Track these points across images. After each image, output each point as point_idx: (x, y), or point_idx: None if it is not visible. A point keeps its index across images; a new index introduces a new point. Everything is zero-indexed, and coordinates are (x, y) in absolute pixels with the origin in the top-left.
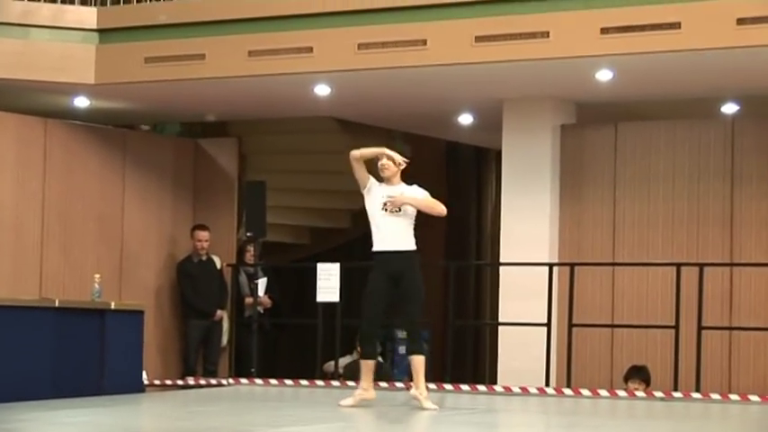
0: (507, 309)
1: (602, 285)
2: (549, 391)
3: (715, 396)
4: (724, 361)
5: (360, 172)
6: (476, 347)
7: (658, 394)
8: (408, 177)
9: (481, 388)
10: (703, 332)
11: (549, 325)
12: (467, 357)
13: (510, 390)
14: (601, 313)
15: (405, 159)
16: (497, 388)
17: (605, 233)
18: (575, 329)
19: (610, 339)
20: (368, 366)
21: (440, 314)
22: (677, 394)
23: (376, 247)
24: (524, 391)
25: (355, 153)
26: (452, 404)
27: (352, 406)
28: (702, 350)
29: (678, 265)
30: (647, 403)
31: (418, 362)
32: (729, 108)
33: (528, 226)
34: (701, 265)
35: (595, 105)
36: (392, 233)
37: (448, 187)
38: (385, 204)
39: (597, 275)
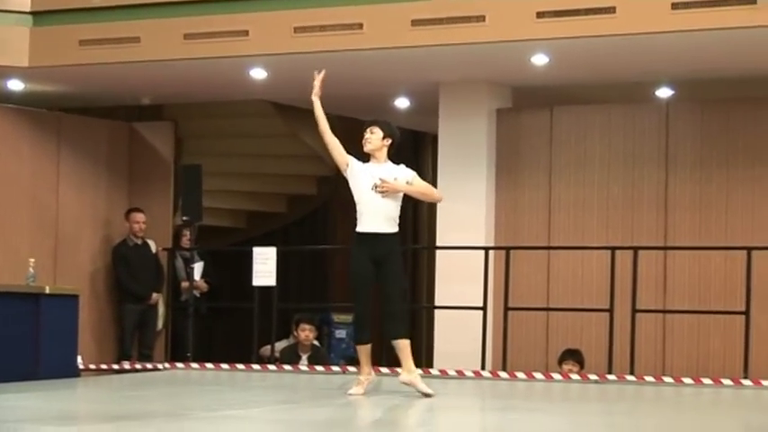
0: (444, 292)
1: (538, 269)
2: (485, 374)
3: (649, 378)
4: (658, 344)
5: (335, 150)
6: (413, 331)
7: (592, 377)
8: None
9: (417, 371)
10: (637, 315)
11: (484, 308)
12: None
13: (446, 373)
14: (536, 297)
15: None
16: (433, 371)
17: (541, 217)
18: (510, 313)
19: (545, 323)
20: (365, 351)
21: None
22: (611, 377)
23: (361, 228)
24: (460, 374)
25: (320, 124)
26: (388, 388)
27: (362, 394)
28: (636, 333)
29: (613, 249)
30: (582, 386)
31: (404, 345)
32: (664, 92)
33: (464, 210)
34: (636, 249)
35: (531, 89)
36: (380, 215)
37: None
38: (375, 186)
39: (533, 259)
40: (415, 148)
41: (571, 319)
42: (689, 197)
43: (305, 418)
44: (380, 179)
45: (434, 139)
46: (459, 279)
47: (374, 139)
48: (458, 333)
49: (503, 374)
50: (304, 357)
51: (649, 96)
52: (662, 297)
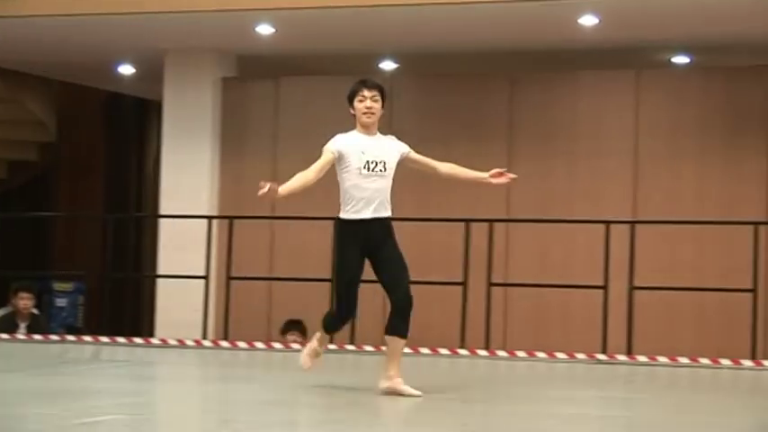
0: (167, 261)
1: (262, 239)
2: (206, 343)
3: (368, 348)
4: (378, 313)
5: (322, 168)
6: (136, 300)
7: None
8: (65, 128)
9: (137, 340)
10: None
11: (207, 278)
12: (126, 310)
13: (166, 342)
14: (259, 267)
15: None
16: (154, 340)
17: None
18: (233, 282)
19: (268, 293)
20: (319, 339)
21: (97, 267)
22: (332, 346)
23: (352, 215)
24: (181, 343)
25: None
26: (109, 357)
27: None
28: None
29: (335, 219)
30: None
31: (401, 346)
32: (388, 65)
33: (189, 179)
34: None
35: (257, 59)
36: (376, 198)
37: (108, 138)
38: (368, 163)
39: (257, 229)
40: (139, 115)
41: (295, 288)
42: (409, 171)
43: (18, 387)
44: (261, 183)
45: (160, 106)
46: (182, 248)
47: (378, 109)
48: (180, 302)
49: (224, 344)
50: (22, 326)
51: (373, 69)
52: None
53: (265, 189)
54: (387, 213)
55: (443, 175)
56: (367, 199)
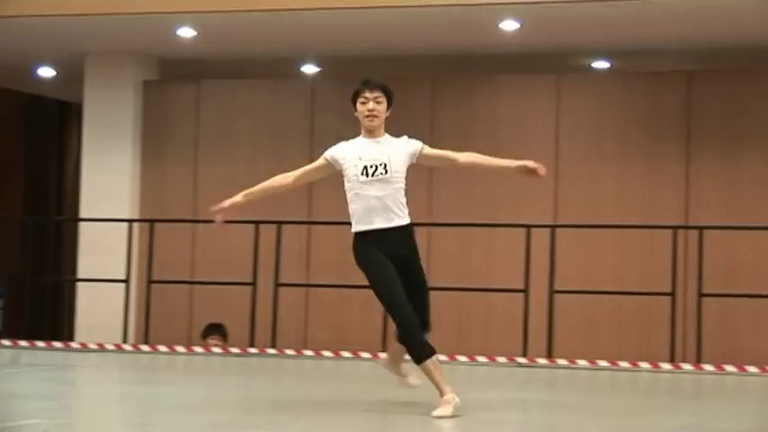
0: (87, 265)
1: (183, 242)
2: (126, 347)
3: (290, 352)
4: (300, 316)
5: (311, 175)
6: (56, 304)
7: (234, 350)
8: None
9: (57, 344)
10: (280, 289)
11: (127, 281)
12: (46, 314)
13: (86, 346)
14: (181, 270)
15: None
16: (74, 344)
17: (187, 191)
18: (154, 286)
19: (189, 296)
20: (435, 366)
21: (17, 270)
22: (253, 350)
23: (361, 227)
24: (101, 347)
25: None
26: (28, 361)
27: (453, 415)
28: (279, 306)
29: (257, 223)
30: (224, 359)
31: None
32: (309, 69)
33: (109, 182)
34: (279, 223)
35: (179, 62)
36: (380, 205)
37: (28, 141)
38: (366, 168)
39: (178, 232)
40: (60, 118)
41: (216, 292)
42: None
43: None
44: (218, 206)
45: (80, 109)
46: (102, 252)
47: (381, 111)
48: (101, 306)
49: (144, 347)
50: None
51: (295, 72)
52: (305, 271)
53: (226, 204)
54: (400, 222)
55: (463, 166)
56: (370, 207)
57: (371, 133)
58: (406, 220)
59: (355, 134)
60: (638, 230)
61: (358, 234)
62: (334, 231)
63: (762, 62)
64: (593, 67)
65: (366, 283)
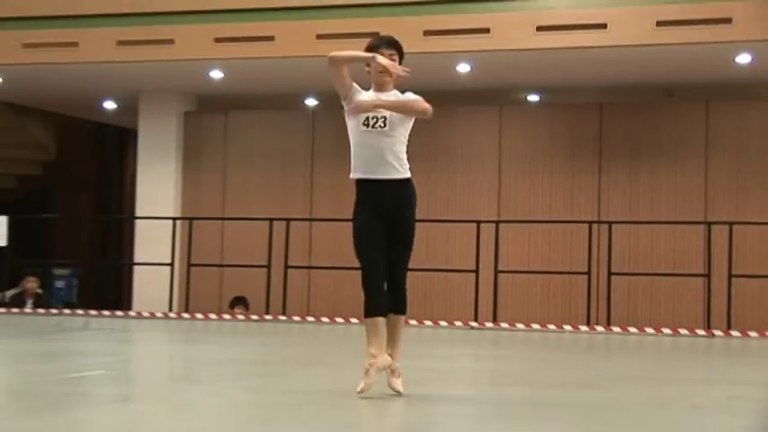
0: (141, 252)
1: (214, 235)
2: (172, 315)
3: (296, 318)
4: (304, 291)
5: (342, 79)
6: (117, 282)
7: (254, 317)
8: (63, 150)
9: (118, 313)
10: (288, 270)
11: (172, 265)
12: (110, 289)
13: (141, 314)
14: (213, 256)
15: (405, 69)
16: (131, 313)
17: (217, 196)
18: (192, 268)
19: (219, 276)
20: (375, 326)
21: (88, 257)
22: (268, 317)
23: (355, 174)
24: (152, 315)
25: (338, 55)
26: (96, 326)
27: (370, 386)
28: (288, 283)
29: (271, 220)
30: (246, 324)
31: (400, 324)
32: (311, 102)
33: (158, 189)
34: (288, 220)
35: (212, 97)
36: (376, 155)
37: (97, 158)
38: (367, 119)
39: (210, 227)
40: (121, 140)
41: (239, 273)
42: (329, 183)
43: (24, 349)
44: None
45: (136, 133)
46: (153, 242)
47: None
48: (151, 283)
49: (185, 315)
50: (29, 302)
51: (299, 105)
52: (308, 256)
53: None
54: (397, 174)
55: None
56: (369, 158)
57: (381, 87)
58: (402, 175)
59: (347, 155)
60: (562, 225)
61: (356, 183)
62: (330, 226)
63: (654, 97)
64: (527, 100)
65: (355, 265)
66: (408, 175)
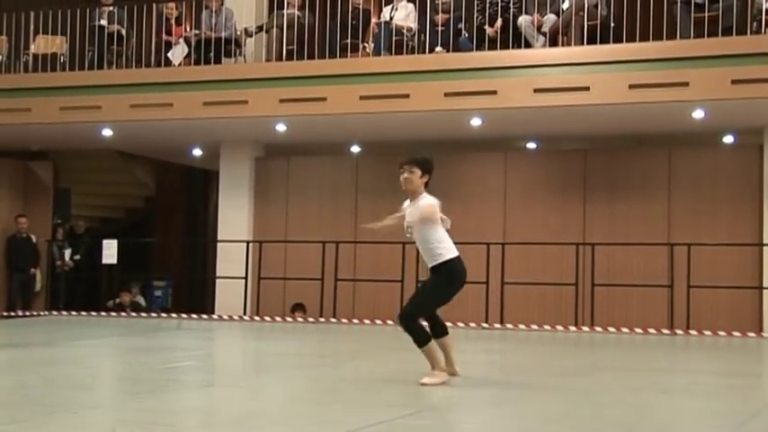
0: (222, 268)
1: (278, 254)
2: (245, 318)
3: (344, 321)
4: (350, 299)
5: (393, 226)
6: (203, 291)
7: (311, 320)
8: (160, 187)
9: (204, 316)
10: (338, 282)
11: (246, 278)
12: (197, 297)
13: (221, 317)
14: (278, 271)
15: (375, 224)
16: (214, 316)
17: (281, 223)
18: (262, 281)
19: (283, 287)
20: (430, 349)
21: (181, 272)
22: (322, 320)
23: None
24: (230, 318)
25: (376, 229)
26: (186, 326)
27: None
28: (337, 293)
29: (324, 243)
30: (304, 325)
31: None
32: (355, 149)
33: (235, 218)
34: (337, 243)
35: (277, 145)
36: (421, 250)
37: (186, 194)
38: (406, 227)
39: (276, 248)
40: (205, 180)
41: (299, 284)
42: (370, 212)
43: (129, 345)
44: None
45: (218, 175)
46: (231, 260)
47: (414, 179)
48: (230, 293)
49: (256, 318)
50: (128, 309)
51: (345, 151)
52: (353, 271)
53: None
54: (430, 263)
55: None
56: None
57: (410, 197)
58: (431, 264)
59: (388, 193)
60: (554, 246)
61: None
62: (370, 247)
63: (627, 144)
64: (527, 147)
65: (390, 278)
66: (437, 262)
